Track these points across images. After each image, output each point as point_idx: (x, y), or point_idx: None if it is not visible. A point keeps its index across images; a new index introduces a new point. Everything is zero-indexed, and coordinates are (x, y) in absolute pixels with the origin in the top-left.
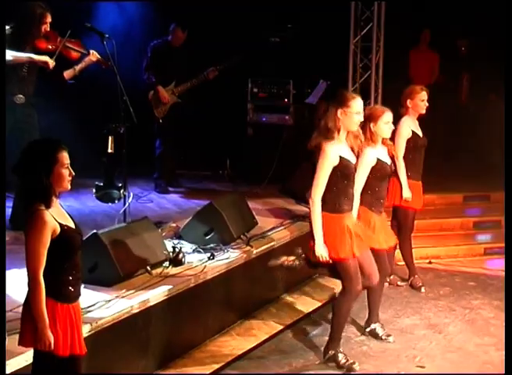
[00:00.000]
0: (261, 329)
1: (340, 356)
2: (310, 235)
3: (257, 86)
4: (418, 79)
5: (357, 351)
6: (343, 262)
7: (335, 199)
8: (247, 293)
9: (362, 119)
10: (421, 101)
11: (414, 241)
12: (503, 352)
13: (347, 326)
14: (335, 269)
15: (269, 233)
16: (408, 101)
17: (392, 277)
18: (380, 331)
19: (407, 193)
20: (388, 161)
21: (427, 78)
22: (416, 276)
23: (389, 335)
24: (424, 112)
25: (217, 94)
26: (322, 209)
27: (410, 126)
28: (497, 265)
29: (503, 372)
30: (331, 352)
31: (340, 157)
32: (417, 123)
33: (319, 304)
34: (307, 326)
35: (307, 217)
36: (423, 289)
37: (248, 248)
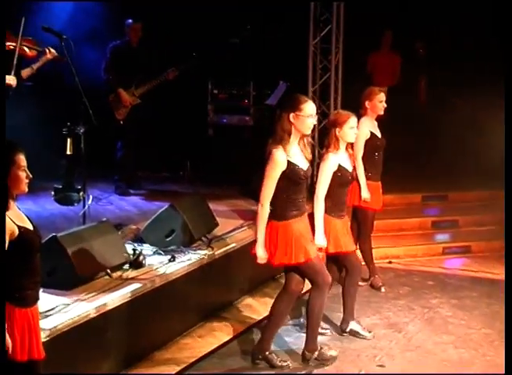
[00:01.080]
0: (223, 330)
1: (325, 349)
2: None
3: (218, 87)
4: (379, 81)
5: None
6: (304, 264)
7: (284, 205)
8: (209, 294)
9: (315, 123)
10: (379, 102)
11: (374, 241)
12: (461, 350)
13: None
14: (301, 273)
15: (230, 235)
16: (367, 102)
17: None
18: (359, 328)
19: (365, 193)
20: (349, 168)
21: (388, 80)
22: (376, 276)
23: (369, 331)
24: (382, 113)
25: (177, 95)
26: (272, 217)
27: (368, 127)
28: (455, 264)
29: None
30: (315, 353)
31: (289, 162)
32: (375, 123)
33: None
34: None
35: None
36: (383, 289)
37: (209, 249)
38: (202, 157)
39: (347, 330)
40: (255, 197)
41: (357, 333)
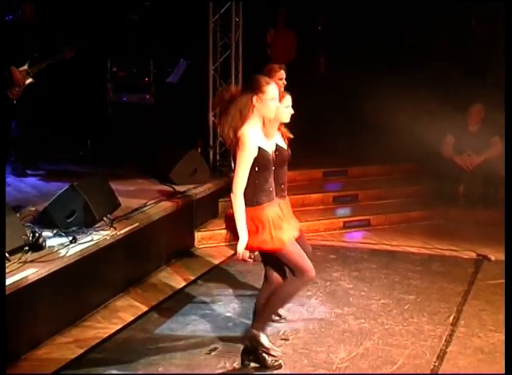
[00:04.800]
0: (127, 310)
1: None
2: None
3: (117, 65)
4: (277, 57)
5: None
6: (280, 251)
7: (255, 192)
8: (112, 275)
9: (279, 105)
10: (279, 79)
11: None
12: (362, 320)
13: (217, 307)
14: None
15: (133, 214)
16: None
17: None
18: None
19: None
20: (284, 146)
21: (285, 56)
22: None
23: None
24: (282, 89)
25: (76, 73)
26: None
27: None
28: (355, 237)
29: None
30: (255, 332)
31: (259, 147)
32: None
33: (184, 283)
34: (173, 306)
35: (171, 197)
36: None
37: (112, 229)
38: (102, 136)
39: None
40: (157, 176)
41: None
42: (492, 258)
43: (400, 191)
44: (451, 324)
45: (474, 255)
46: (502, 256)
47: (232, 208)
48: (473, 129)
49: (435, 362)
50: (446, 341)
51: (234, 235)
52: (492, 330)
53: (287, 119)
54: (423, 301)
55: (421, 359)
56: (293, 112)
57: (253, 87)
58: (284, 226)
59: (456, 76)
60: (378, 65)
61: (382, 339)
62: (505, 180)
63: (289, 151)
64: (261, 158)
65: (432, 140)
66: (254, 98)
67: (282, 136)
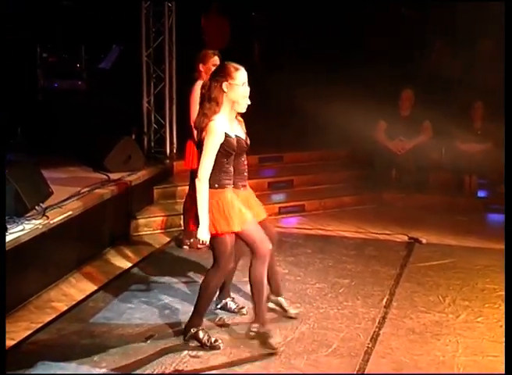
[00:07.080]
0: (61, 300)
1: (201, 334)
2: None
3: (47, 51)
4: (211, 43)
5: None
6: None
7: (219, 175)
8: (45, 265)
9: (248, 90)
10: (213, 65)
11: None
12: (297, 305)
13: (153, 294)
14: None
15: (66, 203)
16: (201, 65)
17: (192, 240)
18: (232, 305)
19: None
20: (243, 136)
21: (219, 43)
22: None
23: (242, 308)
24: None
25: (4, 59)
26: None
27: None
28: (291, 222)
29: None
30: (193, 330)
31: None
32: None
33: (120, 271)
34: (108, 294)
35: (105, 184)
36: None
37: (44, 218)
38: (33, 124)
39: (220, 305)
40: (91, 164)
41: (230, 309)
42: (424, 241)
43: (334, 176)
44: (384, 306)
45: (406, 238)
46: (432, 239)
47: (195, 193)
48: (405, 114)
49: (368, 343)
50: (379, 323)
51: (196, 223)
52: (423, 311)
53: (243, 109)
54: (357, 285)
55: (356, 342)
56: (249, 102)
57: (222, 74)
58: (242, 208)
59: (387, 61)
60: (310, 53)
61: (318, 323)
62: (505, 180)
63: (248, 140)
64: (226, 143)
65: (365, 126)
66: (224, 85)
67: (240, 125)
